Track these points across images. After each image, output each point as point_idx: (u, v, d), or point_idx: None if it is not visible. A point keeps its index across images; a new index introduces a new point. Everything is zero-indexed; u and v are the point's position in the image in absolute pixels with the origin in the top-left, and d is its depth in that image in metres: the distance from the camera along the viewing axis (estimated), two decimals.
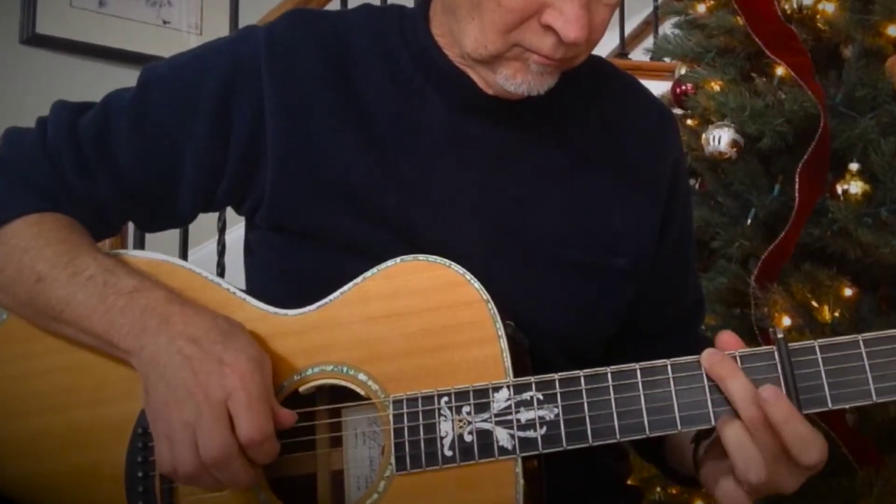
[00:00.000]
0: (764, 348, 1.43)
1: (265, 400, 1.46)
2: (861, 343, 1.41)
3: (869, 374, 1.39)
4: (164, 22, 6.30)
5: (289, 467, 1.56)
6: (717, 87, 3.16)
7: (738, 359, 1.43)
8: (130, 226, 2.00)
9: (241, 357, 1.47)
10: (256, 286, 1.79)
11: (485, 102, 1.66)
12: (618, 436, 1.45)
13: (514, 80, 1.59)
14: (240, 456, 1.44)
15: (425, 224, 1.66)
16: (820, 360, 1.41)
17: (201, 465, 1.43)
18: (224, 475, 1.45)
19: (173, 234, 4.03)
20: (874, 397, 1.39)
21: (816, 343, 1.41)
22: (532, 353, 1.57)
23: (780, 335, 1.41)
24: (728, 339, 1.47)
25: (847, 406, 1.40)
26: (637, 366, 1.45)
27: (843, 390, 1.40)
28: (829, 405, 1.39)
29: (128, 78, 1.78)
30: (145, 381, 1.50)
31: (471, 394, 1.49)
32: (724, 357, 1.44)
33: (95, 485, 1.59)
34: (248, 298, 1.62)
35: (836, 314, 2.78)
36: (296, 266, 1.71)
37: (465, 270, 1.54)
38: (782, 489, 1.44)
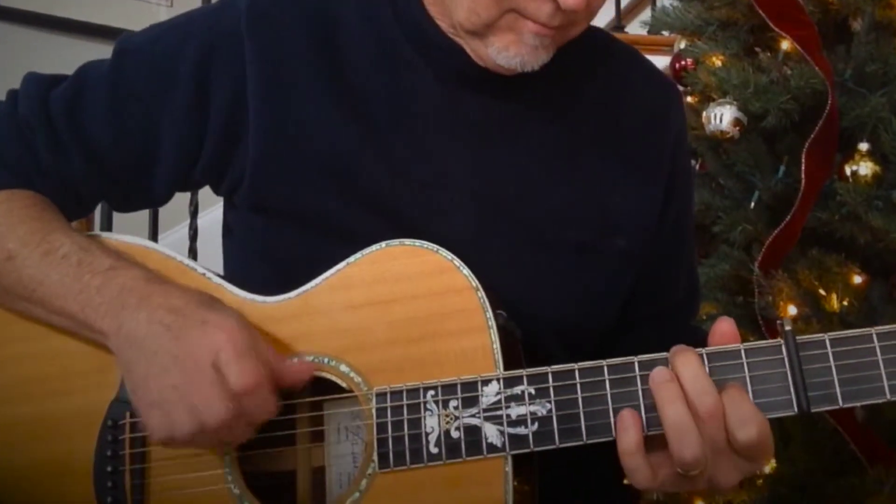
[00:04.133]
0: (771, 342, 1.42)
1: (253, 350, 1.46)
2: (874, 337, 1.40)
3: (883, 370, 1.38)
4: None
5: (267, 463, 1.57)
6: (718, 63, 3.16)
7: (743, 352, 1.43)
8: (97, 209, 1.99)
9: (226, 316, 1.48)
10: (235, 270, 1.80)
11: (479, 75, 1.66)
12: (614, 433, 1.44)
13: (506, 53, 1.59)
14: (241, 415, 1.45)
15: (415, 204, 1.66)
16: (830, 354, 1.40)
17: (200, 427, 1.44)
18: (229, 436, 1.47)
19: (143, 219, 4.03)
20: (888, 395, 1.38)
21: (827, 336, 1.41)
22: (527, 341, 1.57)
23: (787, 327, 1.41)
24: (725, 327, 1.47)
25: (859, 404, 1.40)
26: (635, 359, 1.45)
27: (854, 387, 1.39)
28: (840, 403, 1.39)
29: (95, 53, 1.77)
30: (124, 359, 1.50)
31: (458, 387, 1.48)
32: (684, 348, 1.44)
33: (63, 478, 1.59)
34: (225, 284, 1.62)
35: (845, 302, 2.79)
36: (277, 249, 1.71)
37: (453, 256, 1.53)
38: (720, 484, 1.44)
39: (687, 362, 1.41)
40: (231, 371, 1.43)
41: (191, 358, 1.44)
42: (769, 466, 2.69)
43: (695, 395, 1.39)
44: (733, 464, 1.42)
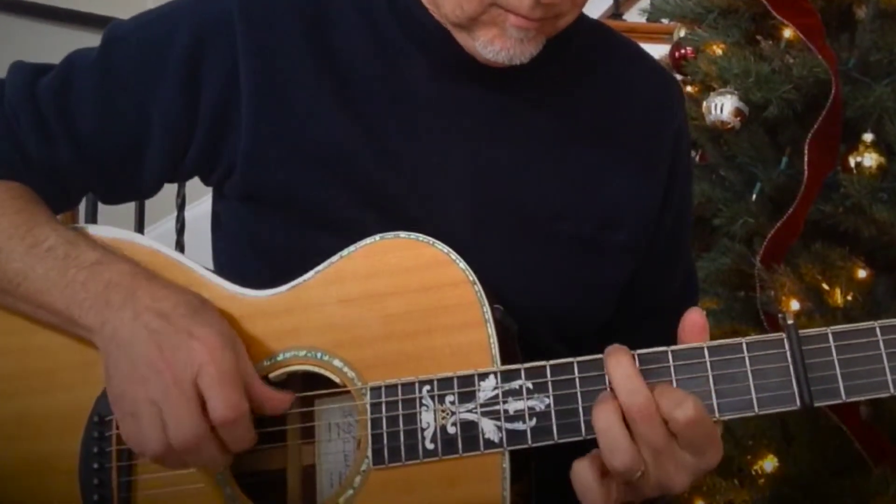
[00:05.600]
0: (773, 335, 1.43)
1: (238, 376, 1.46)
2: (878, 330, 1.41)
3: (886, 365, 1.39)
4: None
5: (257, 461, 1.57)
6: (719, 51, 3.16)
7: (745, 346, 1.43)
8: (82, 201, 1.99)
9: (212, 331, 1.47)
10: (225, 264, 1.81)
11: (473, 65, 1.66)
12: None
13: (492, 47, 1.59)
14: (212, 440, 1.45)
15: (410, 195, 1.66)
16: (833, 348, 1.41)
17: (169, 447, 1.44)
18: (194, 459, 1.47)
19: (129, 211, 4.03)
20: (892, 389, 1.39)
21: (829, 330, 1.41)
22: (523, 335, 1.57)
23: (790, 321, 1.42)
24: (696, 317, 1.47)
25: (862, 399, 1.40)
26: (635, 353, 1.45)
27: (857, 381, 1.40)
28: (843, 397, 1.40)
29: (80, 41, 1.77)
30: (107, 358, 1.50)
31: (455, 382, 1.48)
32: (617, 348, 1.45)
33: (48, 476, 1.59)
34: (214, 278, 1.61)
35: (849, 297, 2.78)
36: (268, 242, 1.71)
37: (449, 249, 1.53)
38: (671, 486, 1.44)
39: (618, 364, 1.42)
40: (212, 397, 1.43)
41: (171, 374, 1.44)
42: (772, 465, 2.70)
43: (625, 396, 1.40)
44: (679, 463, 1.42)
